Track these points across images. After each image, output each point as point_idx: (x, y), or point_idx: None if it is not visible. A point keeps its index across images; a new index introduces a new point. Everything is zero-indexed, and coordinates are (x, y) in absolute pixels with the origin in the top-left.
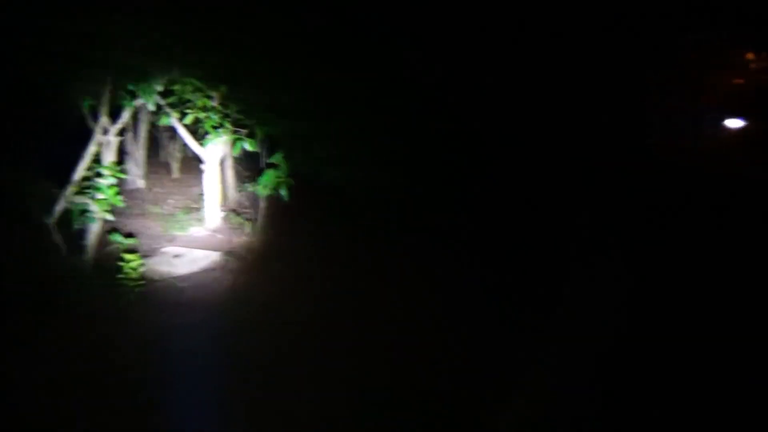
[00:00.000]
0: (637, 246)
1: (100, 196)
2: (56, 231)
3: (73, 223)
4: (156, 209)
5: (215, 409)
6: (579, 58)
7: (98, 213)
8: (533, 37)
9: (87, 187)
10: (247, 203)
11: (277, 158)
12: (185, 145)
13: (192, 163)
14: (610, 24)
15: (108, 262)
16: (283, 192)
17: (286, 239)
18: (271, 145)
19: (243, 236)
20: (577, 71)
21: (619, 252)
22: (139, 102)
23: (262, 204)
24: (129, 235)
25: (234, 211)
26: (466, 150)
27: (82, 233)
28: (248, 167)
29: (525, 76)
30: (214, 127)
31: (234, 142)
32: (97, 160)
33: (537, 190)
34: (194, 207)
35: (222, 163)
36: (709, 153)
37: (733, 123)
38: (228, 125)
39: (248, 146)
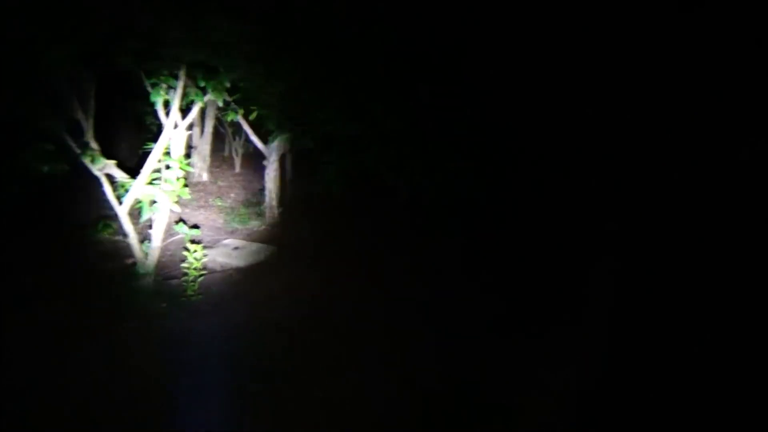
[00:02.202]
0: (655, 253)
1: (168, 187)
2: (128, 220)
3: (142, 212)
4: (219, 202)
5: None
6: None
7: (166, 204)
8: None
9: (156, 178)
10: (304, 199)
11: (334, 156)
12: (248, 140)
13: (254, 159)
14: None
15: (173, 251)
16: (337, 189)
17: (341, 235)
18: (329, 143)
19: (299, 231)
20: (596, 73)
21: (634, 258)
22: (207, 98)
23: (319, 200)
24: (193, 226)
25: (292, 206)
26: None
27: (150, 222)
28: (308, 164)
29: (549, 79)
30: (277, 125)
31: (294, 139)
32: (166, 153)
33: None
34: (254, 201)
35: (282, 159)
36: None
37: None
38: (289, 123)
39: (308, 144)
